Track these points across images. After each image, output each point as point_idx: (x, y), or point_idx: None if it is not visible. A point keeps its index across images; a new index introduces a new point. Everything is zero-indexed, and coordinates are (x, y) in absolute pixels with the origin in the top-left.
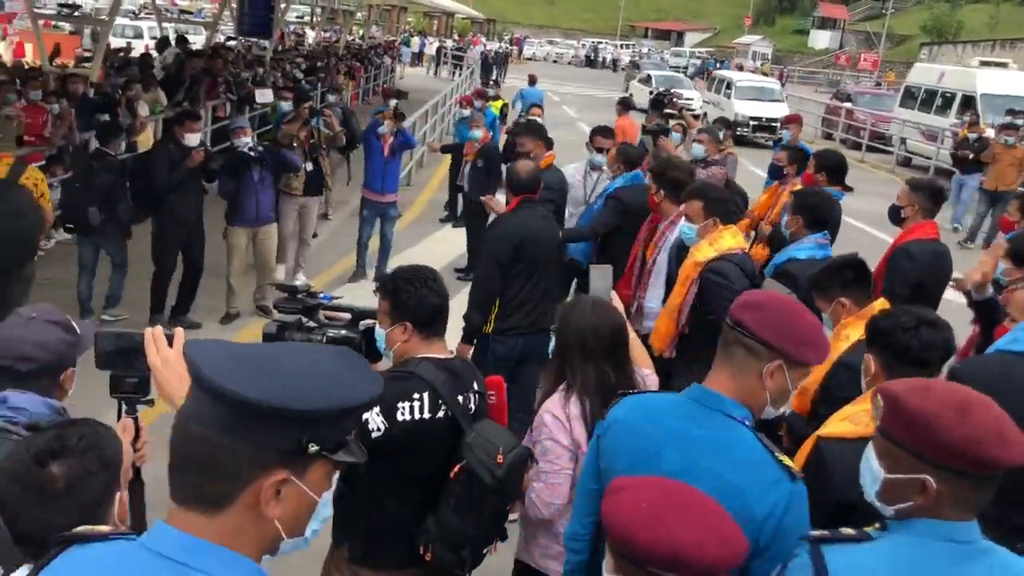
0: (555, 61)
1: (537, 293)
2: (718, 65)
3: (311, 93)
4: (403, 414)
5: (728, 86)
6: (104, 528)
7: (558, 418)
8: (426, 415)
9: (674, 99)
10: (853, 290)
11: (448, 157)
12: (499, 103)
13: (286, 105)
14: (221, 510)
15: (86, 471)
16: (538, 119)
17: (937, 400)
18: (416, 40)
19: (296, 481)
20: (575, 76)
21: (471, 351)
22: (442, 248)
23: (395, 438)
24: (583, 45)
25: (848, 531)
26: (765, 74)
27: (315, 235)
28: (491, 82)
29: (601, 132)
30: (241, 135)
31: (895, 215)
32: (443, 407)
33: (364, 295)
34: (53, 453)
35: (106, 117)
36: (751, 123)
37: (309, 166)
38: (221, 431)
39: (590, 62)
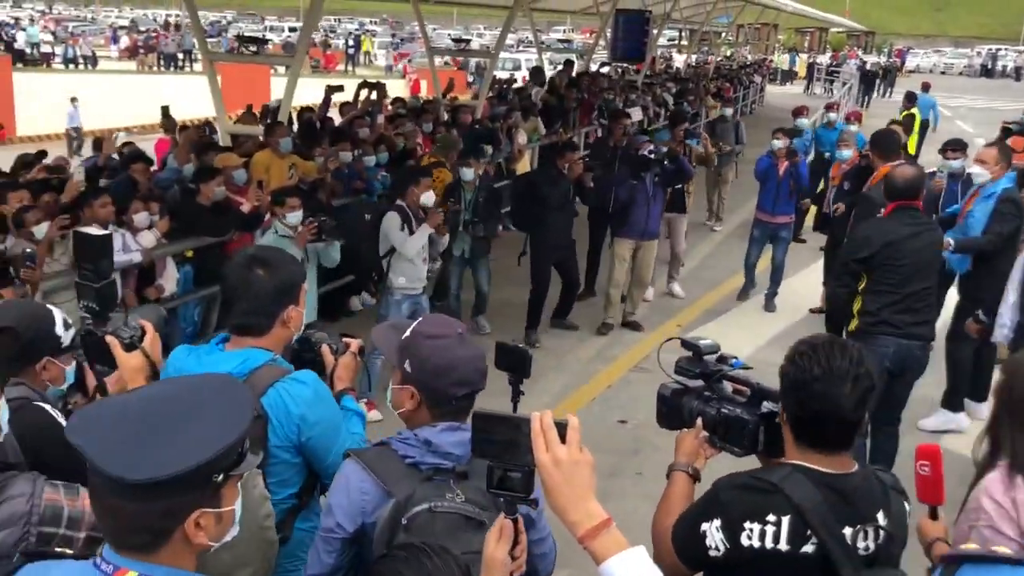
0: (943, 72)
1: (909, 301)
2: None
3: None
4: (749, 538)
5: None
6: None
7: (1001, 504)
8: (782, 546)
9: None
10: None
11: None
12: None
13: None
14: (155, 553)
15: None
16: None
17: None
18: (786, 57)
19: (211, 511)
20: (969, 87)
21: None
22: (818, 279)
23: (740, 566)
24: (977, 53)
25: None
26: None
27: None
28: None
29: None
30: (644, 146)
31: None
32: (812, 540)
33: (750, 318)
34: None
35: (488, 147)
36: None
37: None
38: (135, 501)
39: (986, 72)
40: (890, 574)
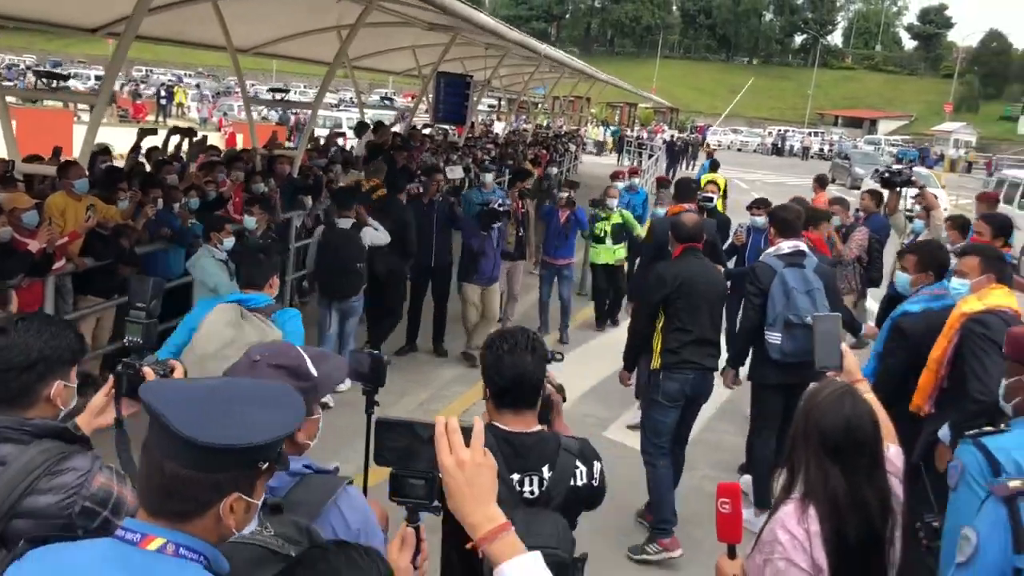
0: (739, 149)
1: (702, 333)
2: (921, 157)
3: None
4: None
5: None
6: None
7: (795, 536)
8: None
9: (911, 179)
10: None
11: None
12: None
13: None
14: (186, 523)
15: None
16: (712, 195)
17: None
18: (600, 129)
19: (244, 498)
20: (762, 164)
21: (631, 380)
22: None
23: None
24: (769, 133)
25: (991, 428)
26: (970, 163)
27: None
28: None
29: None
30: (495, 201)
31: None
32: None
33: (569, 369)
34: None
35: (308, 198)
36: None
37: (521, 231)
38: (189, 467)
39: (777, 150)
40: (544, 514)
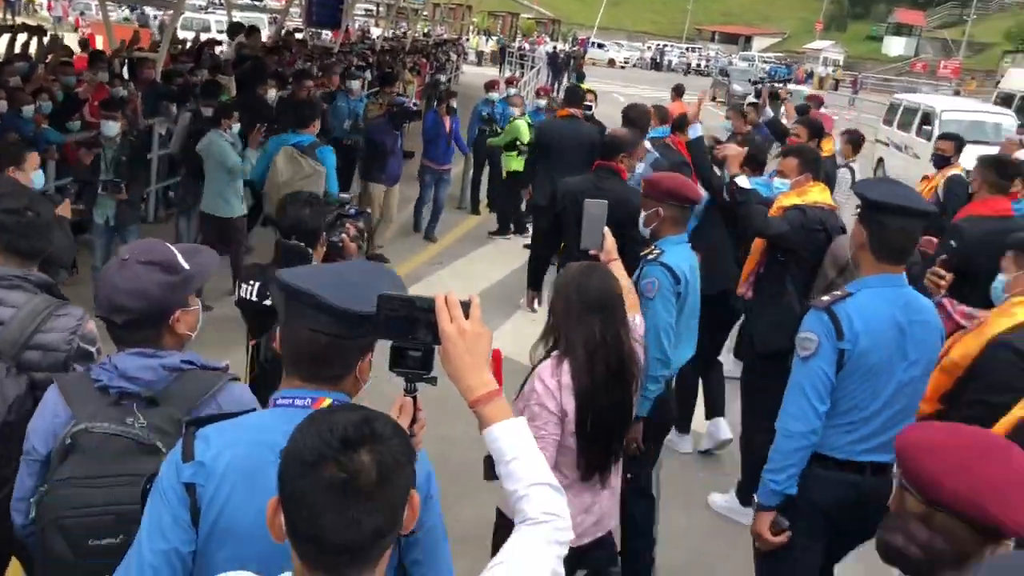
0: (615, 64)
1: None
2: (789, 72)
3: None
4: (243, 292)
5: (927, 120)
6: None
7: (547, 386)
8: (253, 298)
9: (777, 91)
10: None
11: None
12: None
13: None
14: (339, 384)
15: (396, 462)
16: (591, 104)
17: (658, 175)
18: (482, 39)
19: (369, 358)
20: (641, 79)
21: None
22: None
23: (244, 310)
24: (648, 48)
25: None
26: (837, 81)
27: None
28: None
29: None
30: (408, 101)
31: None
32: (269, 299)
33: (416, 249)
34: (363, 438)
35: (174, 106)
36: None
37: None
38: (344, 335)
39: (656, 65)
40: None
